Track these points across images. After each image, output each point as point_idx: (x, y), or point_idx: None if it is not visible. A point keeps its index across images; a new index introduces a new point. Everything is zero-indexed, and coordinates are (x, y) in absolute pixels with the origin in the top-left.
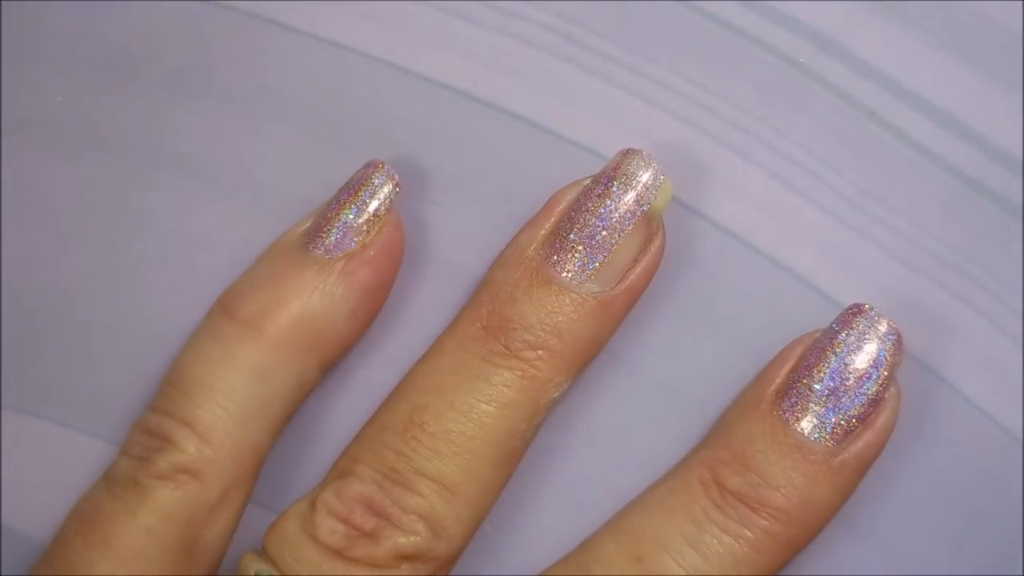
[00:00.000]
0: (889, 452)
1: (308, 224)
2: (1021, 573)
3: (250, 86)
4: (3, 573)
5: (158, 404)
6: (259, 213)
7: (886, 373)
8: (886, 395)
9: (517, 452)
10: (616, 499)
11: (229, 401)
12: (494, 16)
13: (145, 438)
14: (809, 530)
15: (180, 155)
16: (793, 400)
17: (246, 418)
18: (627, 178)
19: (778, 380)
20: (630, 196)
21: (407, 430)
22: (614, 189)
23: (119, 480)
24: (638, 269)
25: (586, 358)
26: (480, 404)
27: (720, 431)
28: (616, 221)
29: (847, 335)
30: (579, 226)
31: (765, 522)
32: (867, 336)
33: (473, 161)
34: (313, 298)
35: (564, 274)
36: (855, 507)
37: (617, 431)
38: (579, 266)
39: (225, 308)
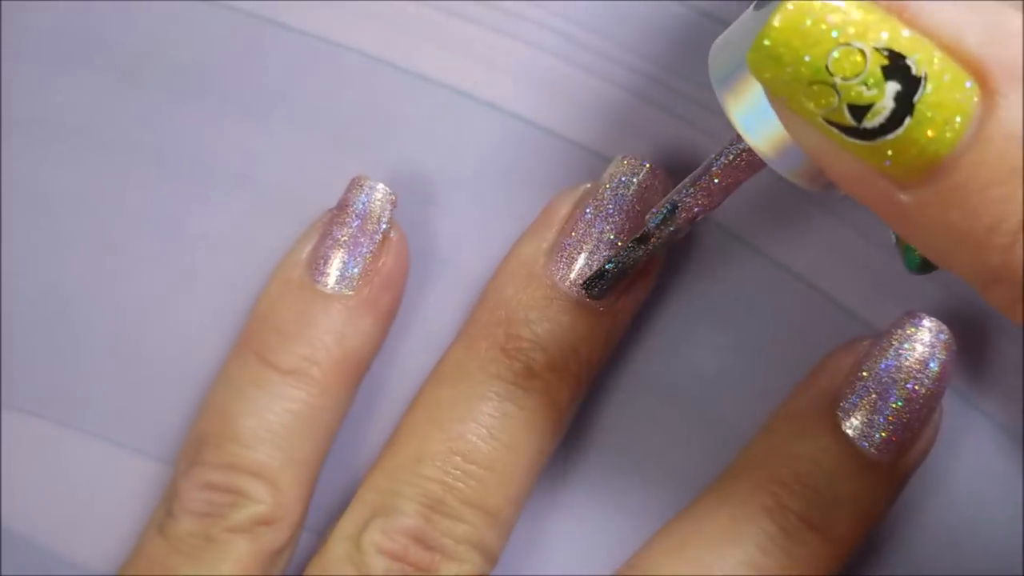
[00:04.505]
0: None
1: (309, 249)
2: (1021, 573)
3: (250, 86)
4: (3, 575)
5: (213, 459)
6: (259, 213)
7: (938, 378)
8: (935, 405)
9: (542, 468)
10: (618, 501)
11: (291, 447)
12: (494, 16)
13: (211, 493)
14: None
15: (180, 155)
16: (849, 409)
17: (306, 461)
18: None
19: (834, 391)
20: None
21: (448, 461)
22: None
23: (186, 539)
24: (640, 282)
25: (599, 367)
26: (515, 432)
27: (775, 445)
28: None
29: (902, 340)
30: (582, 236)
31: (828, 547)
32: (920, 340)
33: (473, 161)
34: (349, 337)
35: (574, 290)
36: None
37: (618, 432)
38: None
39: (262, 357)
